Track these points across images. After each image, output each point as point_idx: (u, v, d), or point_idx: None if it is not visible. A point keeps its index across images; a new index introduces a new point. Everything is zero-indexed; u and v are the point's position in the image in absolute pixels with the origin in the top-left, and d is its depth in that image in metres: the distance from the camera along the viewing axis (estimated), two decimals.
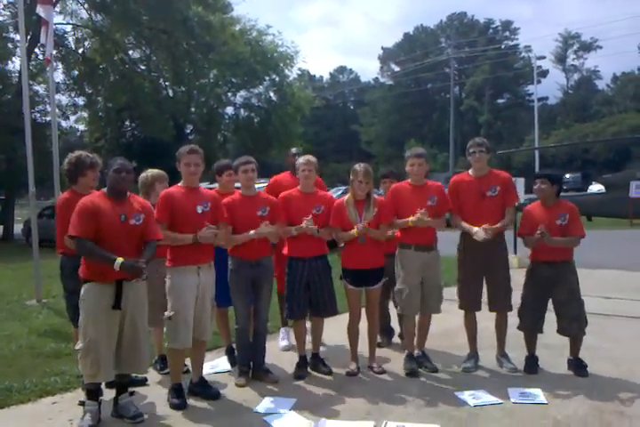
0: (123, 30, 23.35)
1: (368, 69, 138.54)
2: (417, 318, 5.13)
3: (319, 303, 4.98)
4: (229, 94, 29.60)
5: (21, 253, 14.68)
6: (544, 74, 57.04)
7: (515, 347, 5.14)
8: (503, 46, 60.23)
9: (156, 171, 5.18)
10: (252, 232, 4.67)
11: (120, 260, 3.84)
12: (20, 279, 10.79)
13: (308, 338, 5.21)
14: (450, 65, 51.20)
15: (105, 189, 4.16)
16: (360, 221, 4.87)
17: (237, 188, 5.41)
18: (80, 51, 24.71)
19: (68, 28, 24.18)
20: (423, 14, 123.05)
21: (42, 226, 10.49)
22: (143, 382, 4.80)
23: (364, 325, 5.14)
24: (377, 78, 71.80)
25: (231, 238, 4.75)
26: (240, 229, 4.75)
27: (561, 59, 64.53)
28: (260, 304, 4.93)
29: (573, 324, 4.83)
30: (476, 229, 4.88)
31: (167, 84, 27.56)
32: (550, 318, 4.94)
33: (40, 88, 22.41)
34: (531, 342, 5.04)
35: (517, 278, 5.09)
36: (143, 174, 5.15)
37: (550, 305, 4.94)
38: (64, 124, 26.61)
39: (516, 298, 5.04)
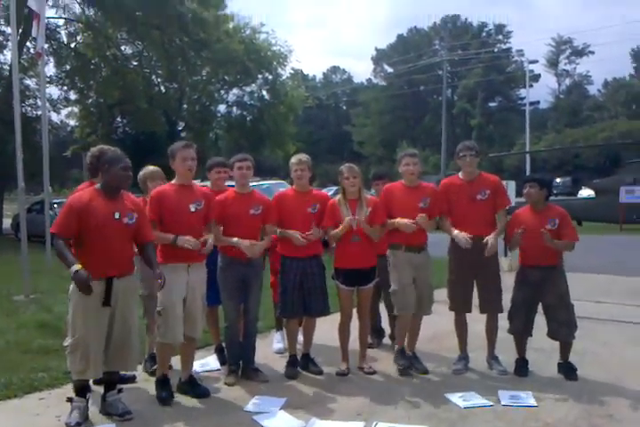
0: (115, 25, 23.18)
1: (360, 70, 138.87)
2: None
3: (312, 303, 4.95)
4: (222, 92, 29.52)
5: (10, 248, 14.53)
6: (536, 78, 57.19)
7: (505, 349, 5.14)
8: (496, 50, 60.37)
9: (150, 168, 5.13)
10: (234, 240, 4.66)
11: (76, 267, 3.74)
12: (7, 274, 10.65)
13: (300, 338, 5.20)
14: (443, 67, 51.23)
15: (98, 185, 4.12)
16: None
17: (230, 186, 5.39)
18: (72, 45, 24.53)
19: (61, 21, 23.98)
20: (417, 17, 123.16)
21: (31, 221, 10.44)
22: (132, 380, 4.76)
23: (355, 325, 5.13)
24: (370, 79, 71.97)
25: (220, 238, 4.72)
26: (231, 226, 4.72)
27: (553, 63, 64.93)
28: (250, 303, 4.90)
29: (563, 328, 4.83)
30: (456, 232, 4.88)
31: (159, 80, 27.42)
32: (541, 321, 4.94)
33: (31, 82, 22.27)
34: (521, 345, 5.03)
35: (507, 281, 5.09)
36: (140, 172, 5.13)
37: (540, 309, 4.94)
38: (55, 118, 26.50)
39: (506, 301, 5.04)
